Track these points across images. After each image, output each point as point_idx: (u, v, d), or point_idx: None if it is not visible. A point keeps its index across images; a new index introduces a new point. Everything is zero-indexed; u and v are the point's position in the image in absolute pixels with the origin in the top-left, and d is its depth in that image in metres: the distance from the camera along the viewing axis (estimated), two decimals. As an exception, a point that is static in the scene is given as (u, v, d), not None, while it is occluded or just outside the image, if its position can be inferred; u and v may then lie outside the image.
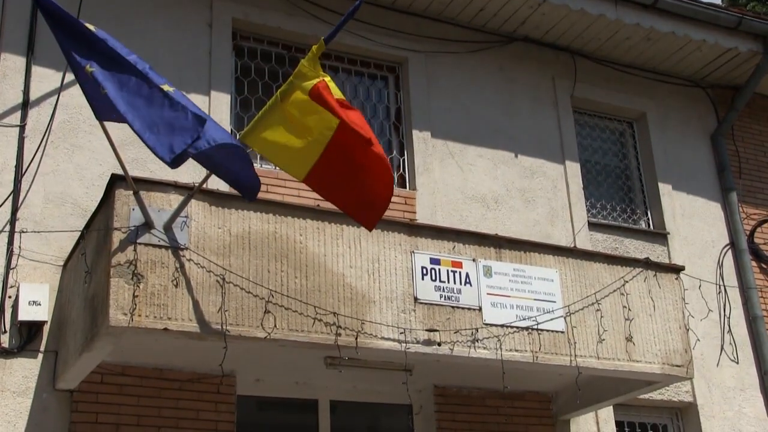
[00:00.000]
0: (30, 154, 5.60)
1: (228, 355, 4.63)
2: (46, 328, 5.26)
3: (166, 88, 4.17)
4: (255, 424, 5.90)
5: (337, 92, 4.51)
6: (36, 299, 5.19)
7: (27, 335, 5.20)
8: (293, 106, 4.51)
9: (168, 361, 5.40)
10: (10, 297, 5.24)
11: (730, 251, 8.02)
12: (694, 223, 7.99)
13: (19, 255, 5.32)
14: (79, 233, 5.19)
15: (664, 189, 8.00)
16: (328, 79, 4.48)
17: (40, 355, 5.21)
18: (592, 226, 7.52)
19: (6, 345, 5.15)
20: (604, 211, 7.87)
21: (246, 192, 4.59)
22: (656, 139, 8.18)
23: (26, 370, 5.16)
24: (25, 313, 5.16)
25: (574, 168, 7.61)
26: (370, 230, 4.80)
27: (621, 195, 8.07)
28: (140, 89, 4.14)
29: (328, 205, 5.12)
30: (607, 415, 6.81)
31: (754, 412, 7.47)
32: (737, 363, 7.52)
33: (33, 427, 5.07)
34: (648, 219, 8.01)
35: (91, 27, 4.32)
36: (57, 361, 5.20)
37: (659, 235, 7.81)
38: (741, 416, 7.38)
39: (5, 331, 5.16)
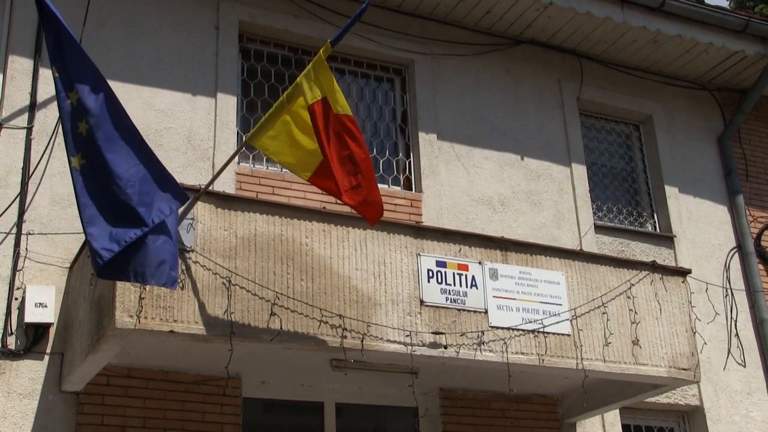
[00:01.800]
0: (37, 156, 5.61)
1: (234, 357, 4.63)
2: (53, 330, 5.27)
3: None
4: (260, 427, 5.89)
5: (344, 105, 4.51)
6: (42, 301, 5.19)
7: (33, 337, 5.21)
8: (298, 111, 4.53)
9: (174, 363, 5.40)
10: (16, 299, 5.24)
11: (736, 254, 7.99)
12: (700, 226, 7.97)
13: (25, 257, 5.33)
14: (86, 235, 5.20)
15: (671, 192, 7.97)
16: (331, 91, 4.48)
17: (47, 357, 5.22)
18: (599, 228, 7.50)
19: (12, 347, 5.16)
20: (611, 213, 7.85)
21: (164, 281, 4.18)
22: (663, 142, 8.16)
23: (32, 371, 5.17)
24: (32, 315, 5.17)
25: (580, 170, 7.59)
26: (372, 225, 4.78)
27: (627, 198, 8.05)
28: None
29: (334, 208, 5.13)
30: (613, 418, 6.78)
31: (762, 415, 7.44)
32: (744, 366, 7.49)
33: (39, 429, 5.07)
34: (654, 222, 7.98)
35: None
36: (63, 363, 5.21)
37: (666, 238, 7.79)
38: (748, 420, 7.34)
39: (12, 333, 5.17)
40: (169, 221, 4.17)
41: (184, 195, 4.24)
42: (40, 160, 5.60)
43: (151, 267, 4.03)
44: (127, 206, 4.00)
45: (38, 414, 5.09)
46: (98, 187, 4.03)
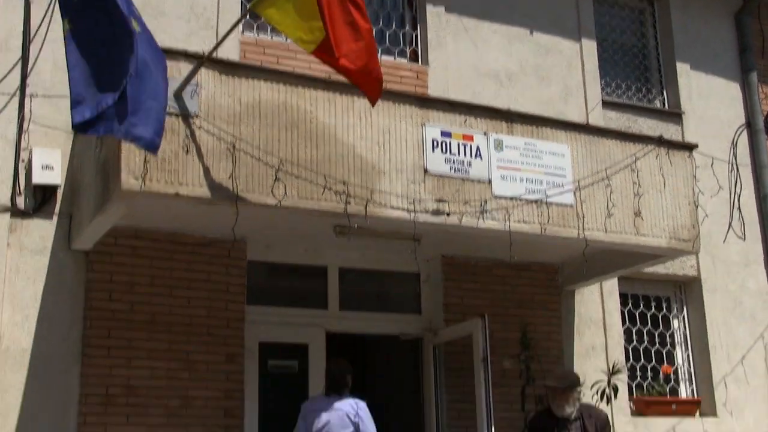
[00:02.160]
0: (37, 21, 5.53)
1: (239, 221, 4.69)
2: (60, 192, 5.36)
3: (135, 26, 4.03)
4: (265, 289, 6.05)
5: None
6: (49, 163, 5.26)
7: (42, 198, 5.31)
8: None
9: (180, 226, 5.50)
10: (23, 161, 5.31)
11: (745, 131, 7.94)
12: (710, 102, 7.88)
13: (30, 120, 5.36)
14: (90, 99, 5.18)
15: (682, 68, 7.85)
16: None
17: (55, 217, 5.34)
18: (606, 104, 7.44)
19: (22, 206, 5.27)
20: (619, 90, 7.76)
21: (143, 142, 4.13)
22: (677, 18, 7.96)
23: (42, 230, 5.30)
24: (39, 177, 5.25)
25: (590, 46, 7.46)
26: (373, 105, 4.76)
27: (637, 74, 7.93)
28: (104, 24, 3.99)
29: (339, 77, 5.07)
30: (611, 287, 6.94)
31: (757, 285, 7.59)
32: (744, 240, 7.58)
33: (51, 284, 5.26)
34: (663, 98, 7.90)
35: None
36: (71, 224, 5.33)
37: (674, 115, 7.73)
38: (743, 290, 7.49)
39: (20, 193, 5.27)
40: (158, 85, 4.13)
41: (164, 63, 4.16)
42: (40, 25, 5.52)
43: (128, 125, 3.98)
44: (110, 70, 3.97)
45: (50, 270, 5.26)
46: (85, 51, 4.01)
